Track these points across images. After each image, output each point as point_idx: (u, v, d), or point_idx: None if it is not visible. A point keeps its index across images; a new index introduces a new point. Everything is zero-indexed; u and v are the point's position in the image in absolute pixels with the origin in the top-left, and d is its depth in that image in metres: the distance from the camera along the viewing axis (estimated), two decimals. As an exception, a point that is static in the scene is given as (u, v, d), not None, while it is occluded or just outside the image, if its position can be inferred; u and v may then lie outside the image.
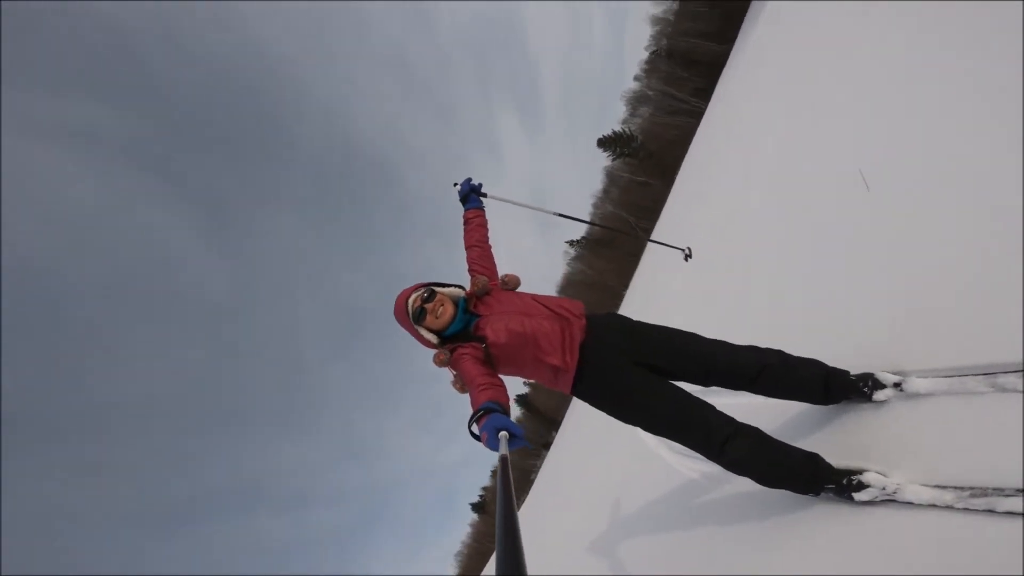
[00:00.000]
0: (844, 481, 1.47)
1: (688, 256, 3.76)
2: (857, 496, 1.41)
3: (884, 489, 1.32)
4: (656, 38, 47.79)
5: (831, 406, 1.73)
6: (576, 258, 67.38)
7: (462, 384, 1.75)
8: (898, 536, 1.19)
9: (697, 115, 43.31)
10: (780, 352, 1.66)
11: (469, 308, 1.93)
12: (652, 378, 1.67)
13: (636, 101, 53.51)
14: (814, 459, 1.52)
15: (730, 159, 5.70)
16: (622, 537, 2.83)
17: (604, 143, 57.19)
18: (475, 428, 1.45)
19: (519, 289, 2.03)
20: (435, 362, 1.85)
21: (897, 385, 1.53)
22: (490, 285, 2.01)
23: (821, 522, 1.50)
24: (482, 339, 1.80)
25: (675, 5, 43.03)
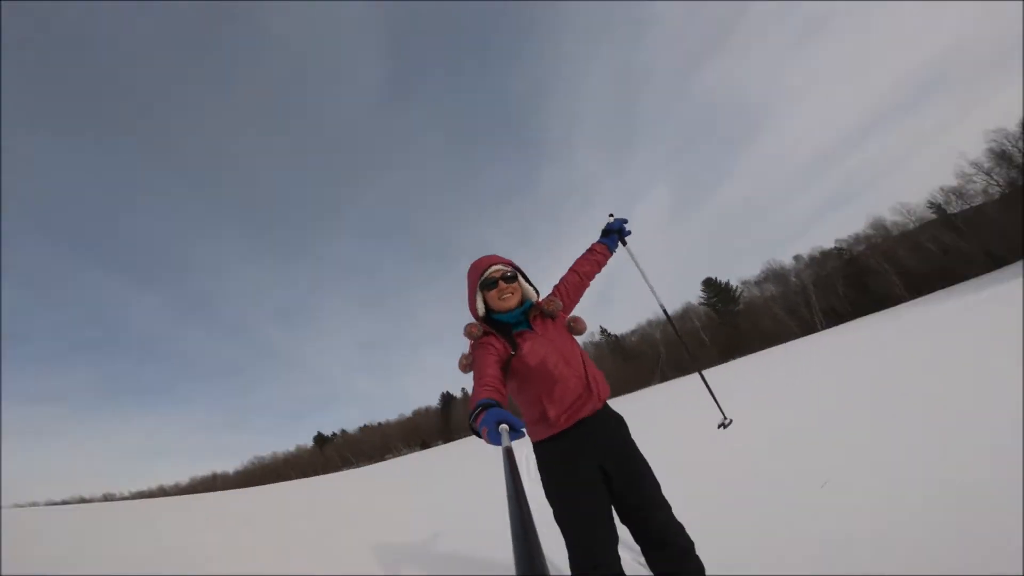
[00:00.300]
0: None
1: (724, 426, 2.97)
2: None
3: None
4: (856, 238, 42.40)
5: None
6: (595, 344, 63.22)
7: (468, 364, 1.78)
8: None
9: (808, 329, 37.76)
10: (690, 552, 1.69)
11: (528, 316, 1.91)
12: (599, 487, 1.71)
13: (773, 275, 47.62)
14: None
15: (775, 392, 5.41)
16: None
17: (709, 285, 53.60)
18: (475, 424, 1.49)
19: (577, 337, 1.98)
20: (466, 332, 1.87)
21: None
22: (559, 314, 1.96)
23: None
24: (516, 347, 1.81)
25: (910, 224, 37.46)
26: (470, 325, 1.85)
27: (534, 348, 1.79)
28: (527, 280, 1.96)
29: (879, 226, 40.16)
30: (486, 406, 1.43)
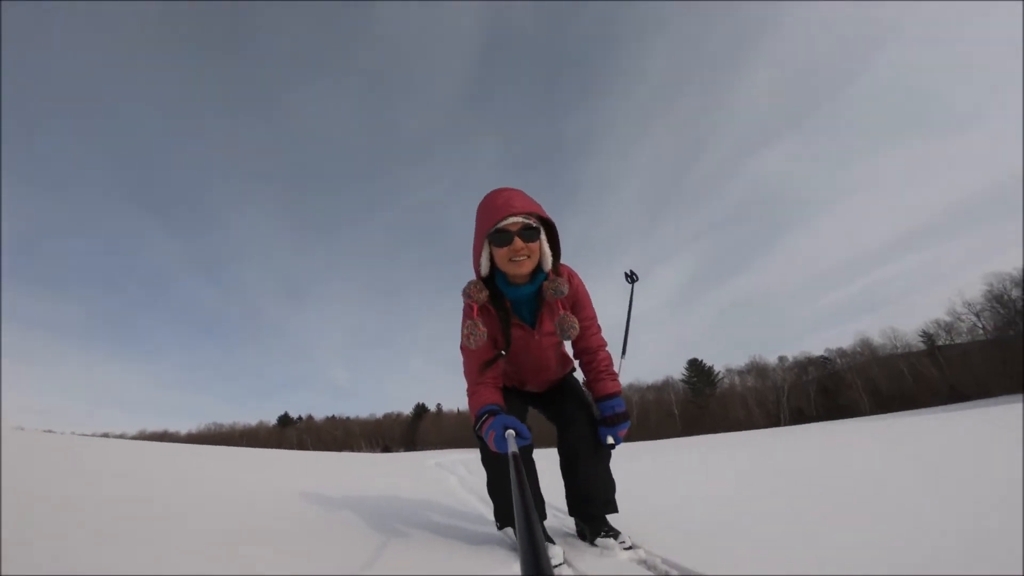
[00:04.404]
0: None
1: (630, 277, 2.97)
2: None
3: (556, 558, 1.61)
4: (840, 354, 42.91)
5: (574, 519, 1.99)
6: None
7: (473, 337, 1.63)
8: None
9: (774, 423, 38.10)
10: (592, 459, 1.85)
11: (537, 298, 1.73)
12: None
13: (755, 368, 47.93)
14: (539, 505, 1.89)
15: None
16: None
17: (693, 366, 54.14)
18: (480, 431, 1.55)
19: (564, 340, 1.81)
20: (465, 292, 1.67)
21: (625, 546, 1.70)
22: (556, 302, 1.71)
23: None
24: (508, 342, 1.72)
25: (894, 350, 38.19)
26: (472, 286, 1.64)
27: (518, 351, 1.75)
28: (549, 236, 1.66)
29: (866, 345, 40.92)
30: (492, 412, 1.44)
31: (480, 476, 2.21)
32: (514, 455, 1.02)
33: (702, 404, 47.38)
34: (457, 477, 6.07)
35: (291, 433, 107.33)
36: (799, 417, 37.97)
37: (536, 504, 1.74)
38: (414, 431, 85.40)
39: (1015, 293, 29.59)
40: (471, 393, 1.66)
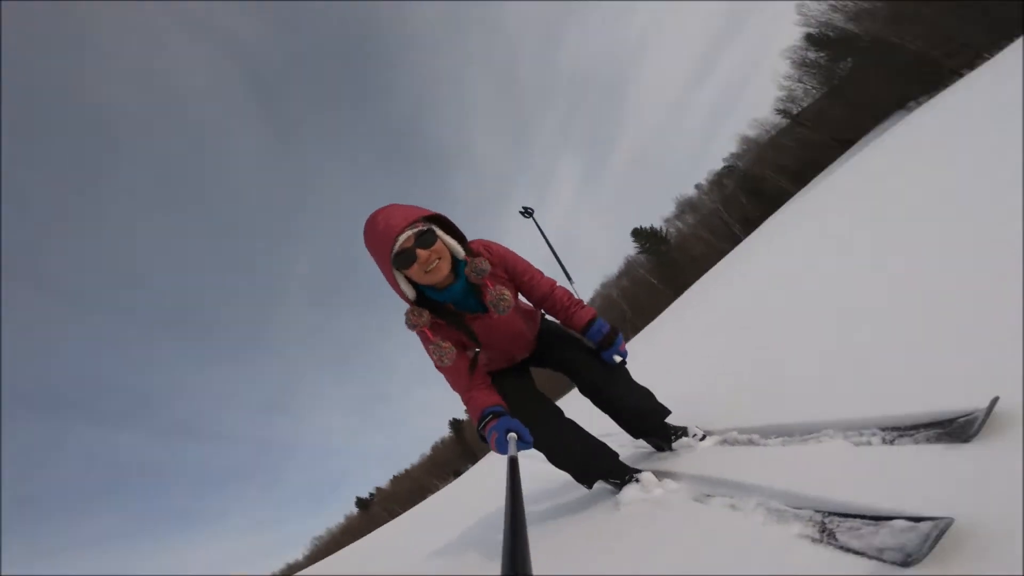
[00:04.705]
0: (626, 477, 1.75)
1: (526, 213, 3.55)
2: (624, 490, 1.69)
3: (656, 486, 1.64)
4: (737, 156, 46.80)
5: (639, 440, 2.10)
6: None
7: (443, 356, 1.59)
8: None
9: (734, 242, 42.13)
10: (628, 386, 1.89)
11: (474, 289, 1.66)
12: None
13: (686, 206, 51.76)
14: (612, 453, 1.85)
15: (739, 299, 5.79)
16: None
17: (638, 235, 56.93)
18: (483, 432, 1.53)
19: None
20: (408, 323, 1.59)
21: (699, 437, 1.83)
22: (486, 280, 1.64)
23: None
24: (474, 336, 1.69)
25: (769, 133, 42.19)
26: (410, 315, 1.57)
27: (488, 338, 1.73)
28: (447, 229, 1.62)
29: (749, 141, 44.90)
30: (496, 414, 1.48)
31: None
32: (512, 459, 0.97)
33: (668, 262, 51.44)
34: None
35: (375, 509, 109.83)
36: (748, 225, 42.03)
37: (600, 450, 1.78)
38: (462, 444, 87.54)
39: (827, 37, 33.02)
40: (466, 401, 1.66)
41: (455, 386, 1.70)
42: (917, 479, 0.91)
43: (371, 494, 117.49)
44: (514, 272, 1.76)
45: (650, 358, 6.63)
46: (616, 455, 1.81)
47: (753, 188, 43.35)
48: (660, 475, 1.70)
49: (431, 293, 1.60)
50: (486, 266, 1.59)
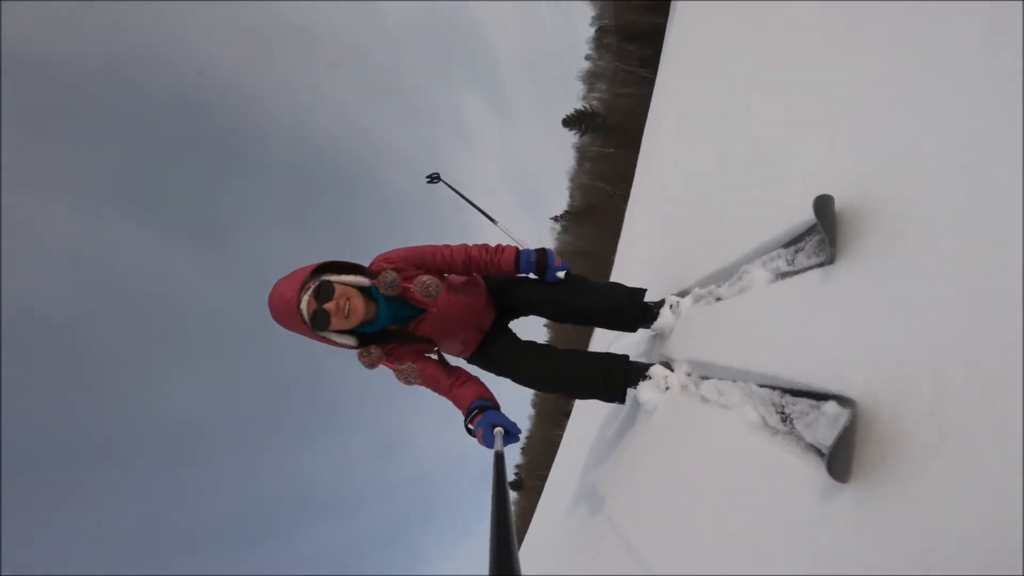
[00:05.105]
0: (644, 376, 1.73)
1: (432, 179, 3.50)
2: (639, 387, 1.71)
3: (665, 379, 1.65)
4: (599, 15, 49.85)
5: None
6: (563, 231, 68.94)
7: (408, 377, 1.61)
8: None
9: (649, 84, 44.51)
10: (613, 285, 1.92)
11: (398, 295, 1.59)
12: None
13: (592, 77, 54.99)
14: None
15: (686, 122, 5.52)
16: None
17: (569, 122, 56.69)
18: (470, 425, 1.52)
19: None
20: (365, 364, 1.57)
21: (676, 306, 1.86)
22: (403, 285, 1.59)
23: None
24: (429, 340, 1.69)
25: None
26: (361, 358, 1.56)
27: (445, 331, 1.72)
28: (338, 268, 1.56)
29: None
30: (481, 408, 1.49)
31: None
32: (499, 454, 0.95)
33: (608, 127, 54.55)
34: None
35: (529, 483, 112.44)
36: (647, 63, 45.63)
37: (608, 360, 1.79)
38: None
39: None
40: (452, 399, 1.66)
41: (437, 392, 1.70)
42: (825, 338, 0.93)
43: (516, 473, 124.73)
44: (423, 261, 1.68)
45: (641, 230, 6.75)
46: (626, 357, 1.81)
47: (630, 34, 46.23)
48: (666, 364, 1.76)
49: (367, 328, 1.57)
50: (392, 275, 1.54)
